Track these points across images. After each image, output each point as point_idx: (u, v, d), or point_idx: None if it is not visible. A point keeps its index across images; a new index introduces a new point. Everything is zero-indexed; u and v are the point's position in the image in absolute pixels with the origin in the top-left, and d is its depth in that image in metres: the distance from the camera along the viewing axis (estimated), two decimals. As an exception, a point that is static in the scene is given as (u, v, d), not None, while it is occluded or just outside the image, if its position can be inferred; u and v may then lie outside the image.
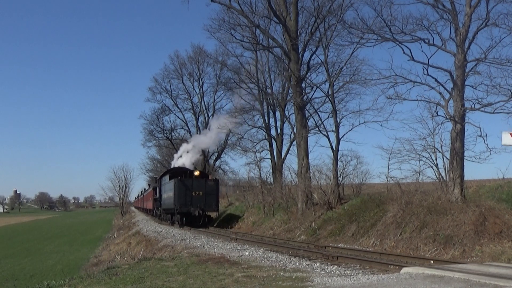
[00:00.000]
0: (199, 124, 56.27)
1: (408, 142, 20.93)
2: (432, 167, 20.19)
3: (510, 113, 17.51)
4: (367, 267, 12.90)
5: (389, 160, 23.53)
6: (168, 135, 58.69)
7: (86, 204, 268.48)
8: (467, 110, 18.36)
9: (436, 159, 20.00)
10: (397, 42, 19.17)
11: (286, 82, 36.15)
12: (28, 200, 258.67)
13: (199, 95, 55.41)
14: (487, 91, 18.03)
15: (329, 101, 28.35)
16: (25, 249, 42.40)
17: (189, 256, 14.69)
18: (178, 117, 57.40)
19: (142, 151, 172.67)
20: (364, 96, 57.76)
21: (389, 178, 24.13)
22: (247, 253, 15.45)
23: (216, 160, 54.47)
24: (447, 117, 18.49)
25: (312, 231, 23.07)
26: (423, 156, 20.54)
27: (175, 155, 48.21)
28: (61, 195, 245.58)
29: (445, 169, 19.37)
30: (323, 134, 28.22)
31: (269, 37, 31.35)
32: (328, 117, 29.03)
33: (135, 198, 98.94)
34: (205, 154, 53.21)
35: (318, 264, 13.07)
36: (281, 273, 10.94)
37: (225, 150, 52.68)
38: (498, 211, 15.92)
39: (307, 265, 12.74)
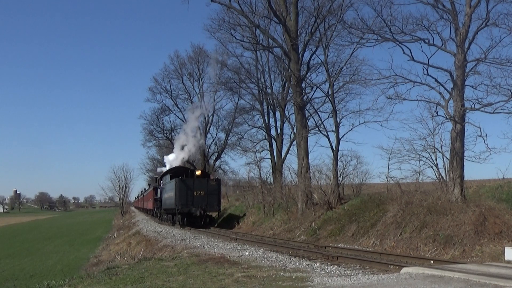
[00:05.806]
0: (199, 124, 56.22)
1: (408, 142, 20.96)
2: (432, 167, 20.20)
3: (510, 113, 17.54)
4: (367, 267, 12.90)
5: (389, 160, 23.55)
6: (168, 135, 58.60)
7: (86, 204, 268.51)
8: (467, 110, 18.36)
9: (436, 159, 20.01)
10: (397, 42, 19.16)
11: (286, 82, 36.17)
12: (28, 200, 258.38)
13: (199, 95, 55.40)
14: (487, 91, 18.07)
15: (329, 101, 28.33)
16: (25, 249, 42.35)
17: (189, 256, 14.69)
18: (178, 117, 57.28)
19: (142, 151, 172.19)
20: (364, 96, 58.00)
21: (389, 178, 24.14)
22: (247, 253, 15.45)
23: (216, 160, 54.47)
24: (447, 117, 18.49)
25: (312, 231, 23.07)
26: (423, 156, 20.56)
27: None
28: (61, 195, 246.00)
29: (445, 169, 19.37)
30: (323, 134, 28.21)
31: (269, 37, 31.35)
32: (328, 117, 29.04)
33: (135, 198, 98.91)
34: (205, 153, 53.21)
35: (318, 264, 13.08)
36: (281, 273, 10.94)
37: (225, 150, 52.71)
38: (498, 211, 15.94)
39: (307, 265, 12.74)
